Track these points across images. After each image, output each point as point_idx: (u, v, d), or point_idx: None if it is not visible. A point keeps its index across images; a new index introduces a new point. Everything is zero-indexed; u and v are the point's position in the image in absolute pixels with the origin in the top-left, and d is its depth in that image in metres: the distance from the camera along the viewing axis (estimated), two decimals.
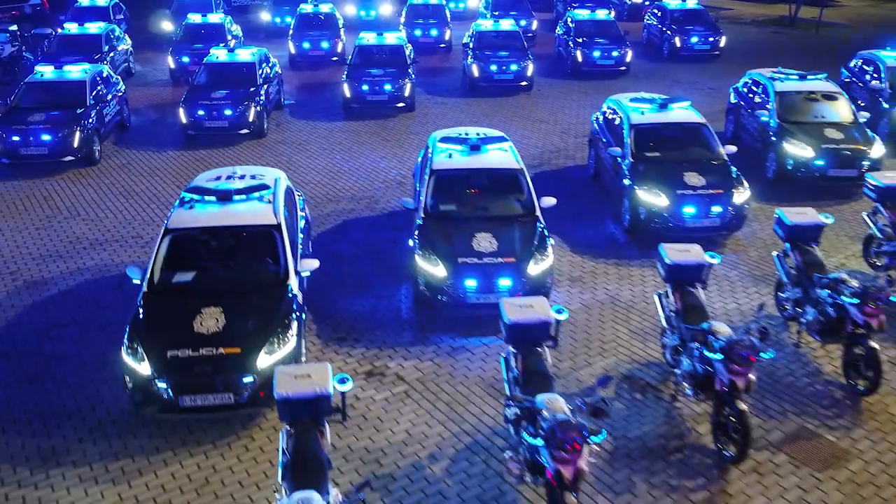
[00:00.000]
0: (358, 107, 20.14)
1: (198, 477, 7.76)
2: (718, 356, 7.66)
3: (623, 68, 24.34)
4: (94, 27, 23.40)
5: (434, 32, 27.83)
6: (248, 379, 8.08)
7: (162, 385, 8.07)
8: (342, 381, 6.91)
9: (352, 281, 11.66)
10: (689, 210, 12.40)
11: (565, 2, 33.69)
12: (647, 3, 33.23)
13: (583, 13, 26.37)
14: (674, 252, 9.22)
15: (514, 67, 22.10)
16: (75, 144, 16.04)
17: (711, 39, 26.74)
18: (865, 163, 14.41)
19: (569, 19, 26.38)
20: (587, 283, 11.68)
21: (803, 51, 28.03)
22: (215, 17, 25.81)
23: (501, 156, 11.90)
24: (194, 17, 25.53)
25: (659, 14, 28.74)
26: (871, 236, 11.72)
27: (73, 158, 16.14)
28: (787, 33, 32.59)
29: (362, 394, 9.09)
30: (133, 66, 25.15)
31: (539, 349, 7.90)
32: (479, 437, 8.30)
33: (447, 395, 9.04)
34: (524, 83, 22.25)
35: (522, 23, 29.24)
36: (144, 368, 8.12)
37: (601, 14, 26.21)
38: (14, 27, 25.68)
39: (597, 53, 24.13)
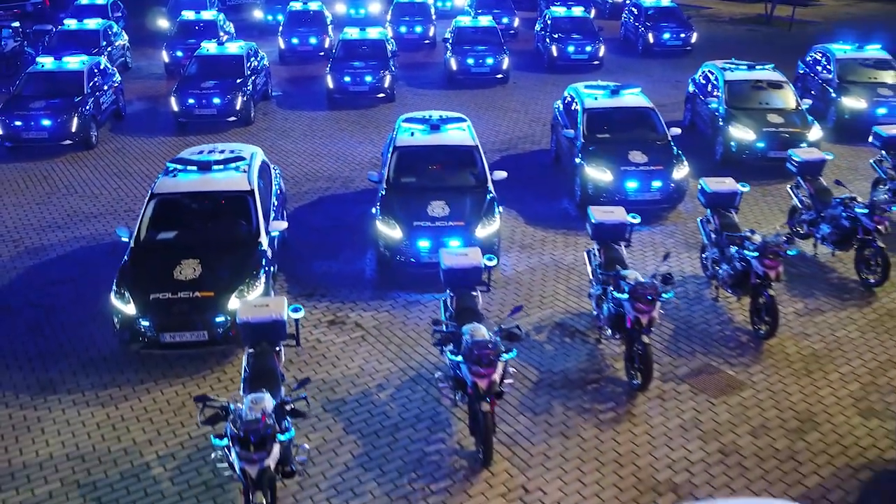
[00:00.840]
0: (340, 97, 21.35)
1: (175, 401, 8.97)
2: (626, 296, 8.87)
3: (596, 62, 25.52)
4: (92, 23, 24.62)
5: (418, 29, 29.05)
6: (220, 318, 9.28)
7: (145, 323, 9.28)
8: (295, 310, 8.13)
9: (323, 248, 12.87)
10: (632, 185, 13.62)
11: (548, 1, 34.86)
12: (627, 1, 34.36)
13: (559, 10, 27.57)
14: (600, 213, 10.44)
15: (489, 61, 23.32)
16: (73, 129, 17.27)
17: (683, 35, 27.94)
18: (803, 145, 15.59)
19: (547, 16, 27.60)
20: (536, 249, 12.88)
21: (772, 47, 29.18)
22: (208, 14, 27.03)
23: (458, 134, 13.12)
24: (188, 14, 26.75)
25: (635, 12, 29.94)
26: (795, 207, 12.95)
27: (71, 142, 17.37)
28: (761, 31, 33.75)
29: (324, 338, 10.30)
30: (130, 60, 26.36)
31: (473, 292, 9.11)
32: (422, 371, 9.50)
33: (398, 339, 10.24)
34: (500, 76, 23.47)
35: (504, 20, 30.58)
36: (130, 309, 9.33)
37: (577, 11, 27.40)
38: (16, 24, 26.91)
39: (571, 48, 25.34)
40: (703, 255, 11.55)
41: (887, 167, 13.78)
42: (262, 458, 6.44)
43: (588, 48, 25.42)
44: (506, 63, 23.45)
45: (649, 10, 29.09)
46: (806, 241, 12.56)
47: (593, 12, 33.60)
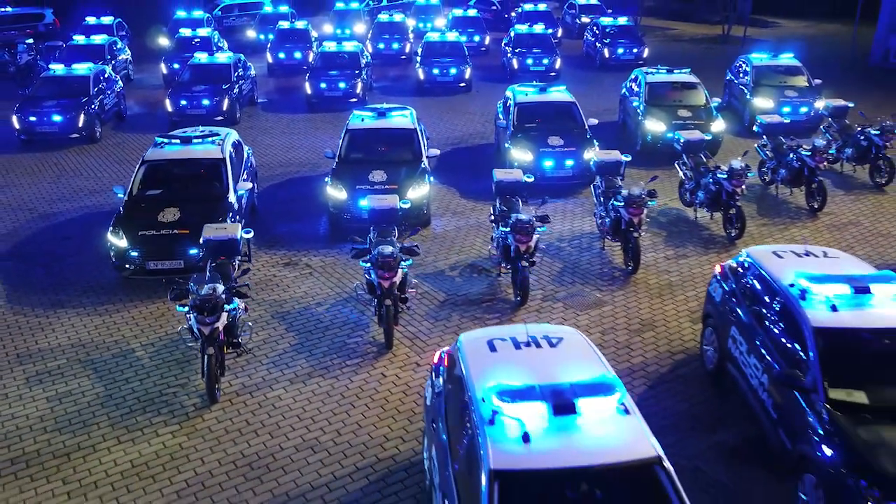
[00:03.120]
0: (317, 101, 24.00)
1: (156, 312, 11.48)
2: (508, 229, 11.39)
3: (553, 73, 28.19)
4: (98, 38, 27.42)
5: (395, 46, 31.82)
6: (193, 251, 11.75)
7: (134, 254, 11.82)
8: (247, 232, 10.67)
9: (286, 214, 15.41)
10: (548, 163, 16.19)
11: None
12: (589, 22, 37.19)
13: (522, 27, 30.34)
14: (501, 173, 13.05)
15: (453, 71, 26.03)
16: (80, 124, 19.93)
17: (636, 50, 30.67)
18: (707, 136, 18.14)
19: (511, 33, 30.37)
20: (464, 215, 15.41)
21: (720, 60, 31.78)
22: (203, 32, 29.84)
23: (401, 119, 15.74)
24: (185, 31, 29.57)
25: (595, 30, 32.70)
26: (681, 180, 15.48)
27: (77, 136, 20.03)
28: (716, 48, 36.47)
29: (279, 273, 12.81)
30: (132, 73, 29.12)
31: (389, 228, 11.62)
32: (356, 295, 11.99)
33: (338, 274, 12.75)
34: (462, 84, 26.17)
35: (476, 38, 33.40)
36: (123, 243, 11.87)
37: (538, 28, 30.15)
38: (30, 40, 29.77)
39: (529, 61, 28.05)
40: (595, 213, 14.07)
41: (767, 150, 16.34)
42: (213, 322, 8.93)
43: (545, 60, 28.12)
44: (468, 73, 26.16)
45: (607, 27, 31.88)
46: (690, 208, 15.10)
47: (560, 31, 36.49)
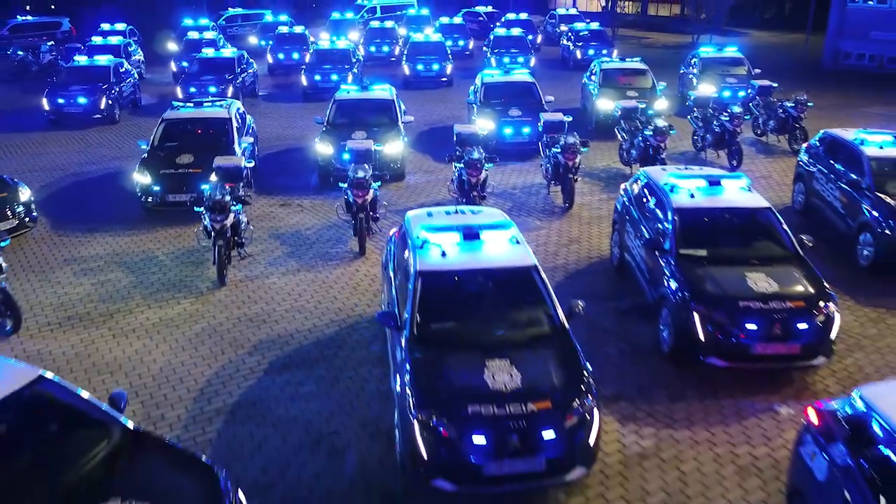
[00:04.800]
0: (312, 91, 26.72)
1: (175, 234, 14.04)
2: (462, 166, 14.00)
3: (529, 70, 30.88)
4: (114, 39, 30.26)
5: (385, 49, 34.63)
6: (205, 186, 14.34)
7: (156, 189, 14.42)
8: (249, 161, 13.27)
9: (282, 172, 18.02)
10: (507, 131, 18.85)
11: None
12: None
13: (502, 31, 33.21)
14: (460, 127, 15.72)
15: (435, 67, 28.82)
16: (102, 107, 22.64)
17: (605, 52, 33.37)
18: (651, 112, 20.78)
19: (491, 35, 33.21)
20: (434, 173, 18.02)
21: (679, 63, 34.64)
22: (210, 34, 32.67)
23: (381, 92, 18.42)
24: (193, 34, 32.40)
25: (570, 35, 35.57)
26: (620, 143, 18.12)
27: (99, 117, 22.71)
28: (682, 52, 39.12)
29: (275, 211, 15.39)
30: (144, 71, 31.89)
31: (364, 164, 14.20)
32: (336, 222, 14.55)
33: (325, 210, 15.33)
34: (444, 79, 28.93)
35: (461, 43, 36.24)
36: (147, 179, 14.48)
37: (515, 31, 33.02)
38: (51, 42, 32.60)
39: (506, 59, 30.81)
40: (541, 164, 16.69)
41: (698, 121, 18.93)
42: (222, 220, 11.52)
43: (520, 59, 30.88)
44: (449, 69, 28.93)
45: (580, 31, 34.76)
46: (627, 166, 17.71)
47: (540, 38, 39.39)
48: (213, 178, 13.21)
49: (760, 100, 20.60)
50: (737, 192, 10.68)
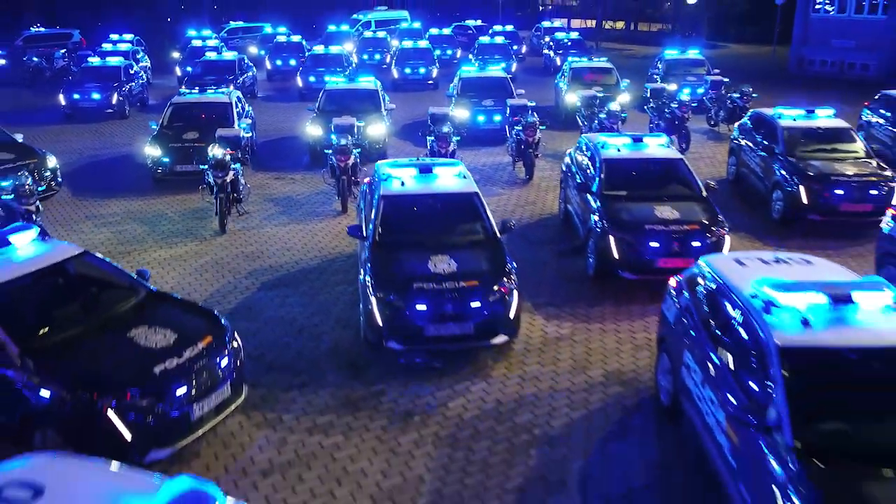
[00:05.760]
0: (307, 92, 28.78)
1: (182, 198, 16.03)
2: (433, 138, 16.05)
3: (510, 76, 33.07)
4: (123, 46, 32.44)
5: (377, 57, 36.85)
6: (209, 156, 16.35)
7: (166, 160, 16.47)
8: (247, 131, 15.31)
9: (280, 155, 20.07)
10: (481, 118, 20.96)
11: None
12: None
13: (486, 39, 35.48)
14: (435, 108, 17.73)
15: (422, 70, 31.00)
16: (113, 102, 24.75)
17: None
18: (624, 114, 22.78)
19: (476, 44, 35.46)
20: (412, 155, 20.03)
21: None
22: (213, 42, 34.87)
23: (366, 83, 20.55)
24: (197, 42, 34.62)
25: (551, 43, 37.84)
26: (581, 128, 20.18)
27: (111, 111, 24.80)
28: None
29: (270, 182, 17.40)
30: (150, 78, 34.01)
31: (346, 135, 16.17)
32: (324, 189, 16.55)
33: (315, 182, 17.30)
34: (430, 82, 31.11)
35: (449, 52, 38.48)
36: (158, 152, 16.53)
37: (499, 39, 35.32)
38: (63, 50, 34.82)
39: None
40: (507, 145, 18.74)
41: (653, 110, 20.99)
42: (223, 175, 13.54)
43: (503, 65, 32.95)
44: (435, 72, 31.10)
45: (560, 40, 37.05)
46: None
47: (525, 48, 41.68)
48: (215, 147, 15.23)
49: (713, 93, 22.70)
50: (656, 147, 12.70)
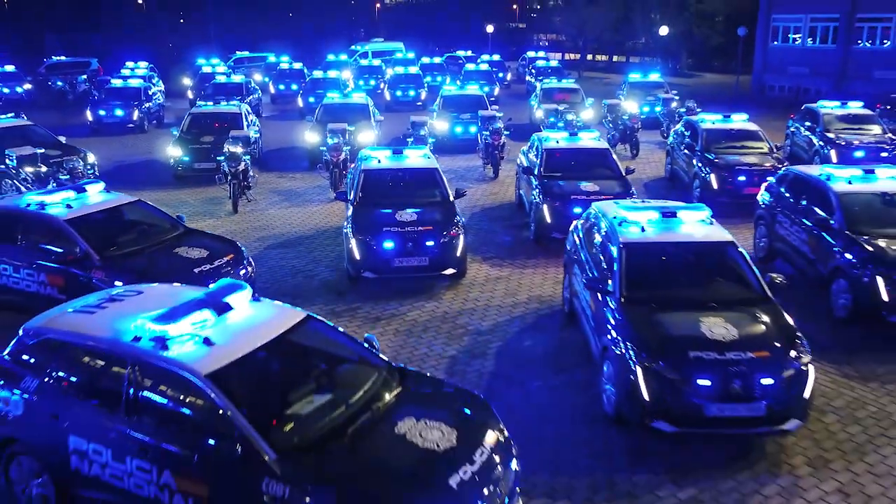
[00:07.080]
0: (307, 112, 31.78)
1: (200, 190, 18.96)
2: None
3: (493, 99, 36.24)
4: (140, 71, 35.68)
5: (372, 83, 40.04)
6: (221, 157, 19.27)
7: (186, 159, 19.45)
8: (255, 134, 18.30)
9: (282, 161, 23.05)
10: (458, 129, 24.03)
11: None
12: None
13: (471, 66, 38.79)
14: (415, 116, 20.75)
15: (412, 93, 34.19)
16: (134, 118, 27.85)
17: None
18: (580, 122, 25.86)
19: (462, 71, 38.74)
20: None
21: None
22: (221, 68, 38.15)
23: (359, 98, 23.72)
24: (207, 69, 37.89)
25: (532, 70, 41.16)
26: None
27: (132, 126, 27.89)
28: None
29: (275, 180, 20.34)
30: (164, 101, 37.20)
31: (339, 135, 19.18)
32: (321, 184, 19.48)
33: (312, 179, 20.24)
34: (419, 103, 34.25)
35: (439, 79, 41.72)
36: (179, 152, 19.52)
37: (483, 66, 38.64)
38: (85, 76, 38.09)
39: None
40: (478, 150, 21.73)
41: (609, 122, 24.06)
42: (236, 165, 16.49)
43: (486, 88, 36.11)
44: (423, 95, 34.30)
45: (541, 68, 40.38)
46: None
47: (510, 76, 45.01)
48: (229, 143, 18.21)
49: (666, 110, 25.75)
50: (588, 140, 15.66)
